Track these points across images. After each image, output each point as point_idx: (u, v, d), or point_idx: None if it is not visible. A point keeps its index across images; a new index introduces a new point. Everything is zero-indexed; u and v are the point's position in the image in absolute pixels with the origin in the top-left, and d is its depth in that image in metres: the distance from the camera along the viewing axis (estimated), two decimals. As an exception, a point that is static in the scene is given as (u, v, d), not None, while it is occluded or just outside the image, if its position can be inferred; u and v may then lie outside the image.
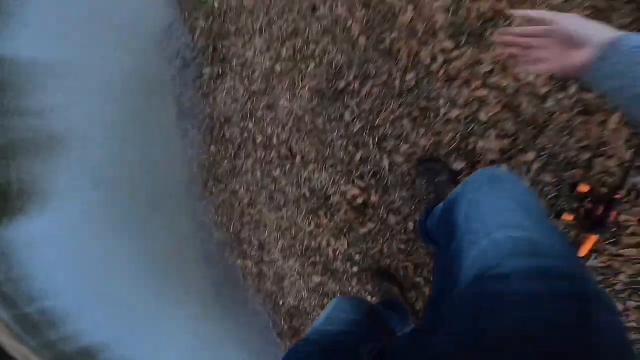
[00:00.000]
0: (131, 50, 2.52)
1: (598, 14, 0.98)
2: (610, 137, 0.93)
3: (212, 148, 2.03)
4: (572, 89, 0.98)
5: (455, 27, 1.21)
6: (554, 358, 0.37)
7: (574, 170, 0.97)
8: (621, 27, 0.74)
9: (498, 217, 0.48)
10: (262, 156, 1.80)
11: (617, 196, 0.78)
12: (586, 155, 0.95)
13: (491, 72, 1.15)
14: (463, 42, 1.20)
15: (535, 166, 1.03)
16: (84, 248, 2.84)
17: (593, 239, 0.86)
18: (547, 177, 1.02)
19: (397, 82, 1.38)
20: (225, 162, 1.98)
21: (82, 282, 2.90)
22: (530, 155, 1.04)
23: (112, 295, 2.73)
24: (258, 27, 1.79)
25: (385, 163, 1.39)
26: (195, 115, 2.16)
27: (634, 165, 0.81)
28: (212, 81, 2.02)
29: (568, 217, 0.89)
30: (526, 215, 0.48)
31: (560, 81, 1.00)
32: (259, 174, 1.82)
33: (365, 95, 1.47)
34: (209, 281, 2.39)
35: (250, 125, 1.82)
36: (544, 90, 1.03)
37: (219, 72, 1.99)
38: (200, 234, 2.36)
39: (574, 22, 0.48)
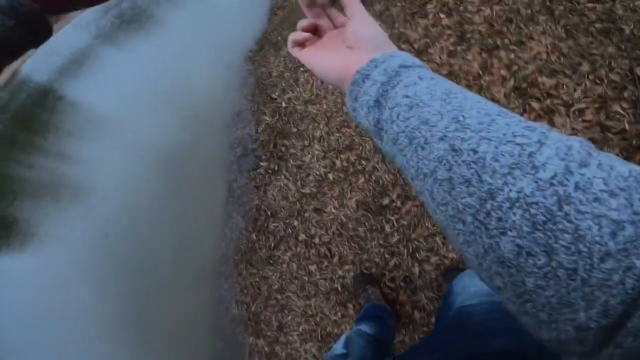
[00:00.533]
0: (197, 128, 3.07)
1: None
2: None
3: (253, 236, 2.30)
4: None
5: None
6: (515, 357, 0.54)
7: None
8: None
9: (476, 286, 0.80)
10: (302, 252, 2.06)
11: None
12: None
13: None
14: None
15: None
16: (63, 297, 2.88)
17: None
18: None
19: (433, 207, 1.74)
20: (264, 250, 2.22)
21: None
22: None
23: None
24: (318, 135, 2.30)
25: (416, 270, 1.62)
26: (242, 202, 2.49)
27: None
28: (267, 175, 2.43)
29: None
30: None
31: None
32: (294, 266, 2.04)
33: (405, 212, 1.82)
34: (211, 351, 2.32)
35: (296, 223, 2.15)
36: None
37: (274, 168, 2.41)
38: (216, 306, 2.43)
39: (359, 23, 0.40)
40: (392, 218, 1.84)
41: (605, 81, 1.49)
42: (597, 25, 1.62)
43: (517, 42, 1.75)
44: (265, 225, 2.27)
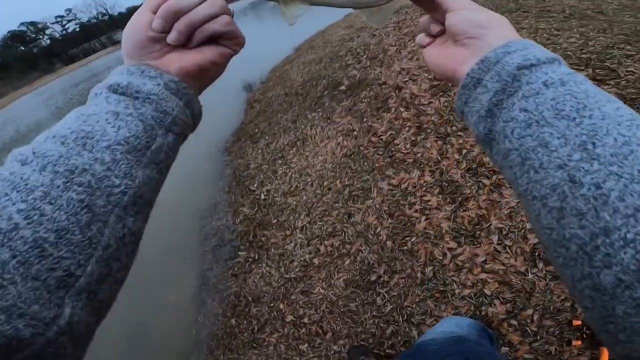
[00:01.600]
0: (170, 219, 3.17)
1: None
2: None
3: (232, 321, 2.30)
4: (540, 265, 1.61)
5: (455, 231, 1.99)
6: None
7: (564, 314, 1.41)
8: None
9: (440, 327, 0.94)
10: (290, 332, 2.10)
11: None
12: (567, 303, 1.43)
13: (485, 261, 1.80)
14: (462, 242, 1.93)
15: (535, 317, 1.47)
16: None
17: (605, 351, 1.21)
18: (547, 322, 1.44)
19: (419, 274, 2.00)
20: (245, 334, 2.21)
21: None
22: (529, 311, 1.51)
23: None
24: (300, 225, 2.57)
25: (415, 333, 1.78)
26: (218, 290, 2.54)
27: None
28: (246, 264, 2.57)
29: (577, 343, 1.27)
30: (462, 328, 0.91)
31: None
32: (282, 347, 2.05)
33: (394, 284, 2.05)
34: None
35: (282, 306, 2.24)
36: (522, 268, 1.65)
37: (254, 257, 2.58)
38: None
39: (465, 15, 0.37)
40: (382, 291, 2.05)
41: (534, 155, 2.04)
42: None
43: (462, 129, 2.35)
44: (247, 310, 2.32)
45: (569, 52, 2.82)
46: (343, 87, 4.08)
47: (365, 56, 4.70)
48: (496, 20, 0.37)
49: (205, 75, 0.40)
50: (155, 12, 0.37)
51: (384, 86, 3.53)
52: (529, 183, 0.29)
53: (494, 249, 1.84)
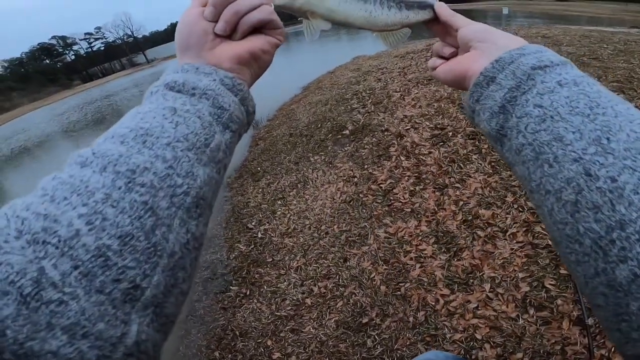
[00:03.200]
0: None
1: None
2: (567, 332, 1.59)
3: (216, 354, 2.32)
4: (531, 311, 1.74)
5: (449, 279, 2.13)
6: None
7: (554, 357, 1.53)
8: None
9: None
10: None
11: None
12: (558, 346, 1.55)
13: (477, 307, 1.94)
14: (455, 289, 2.07)
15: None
16: None
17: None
18: None
19: (411, 319, 2.10)
20: None
21: None
22: (519, 355, 1.62)
23: None
24: (295, 265, 2.68)
25: (404, 376, 1.85)
26: (205, 322, 2.56)
27: (591, 344, 1.45)
28: (237, 299, 2.63)
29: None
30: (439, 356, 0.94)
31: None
32: None
33: (385, 327, 2.14)
34: None
35: (269, 342, 2.28)
36: (514, 314, 1.78)
37: (246, 292, 2.64)
38: None
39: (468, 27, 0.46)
40: (373, 333, 2.13)
41: (526, 208, 2.26)
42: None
43: (459, 180, 2.59)
44: (233, 344, 2.33)
45: None
46: (347, 132, 4.39)
47: (370, 101, 5.08)
48: (501, 31, 0.43)
49: (256, 64, 0.44)
50: (204, 6, 0.41)
51: (386, 133, 3.84)
52: (542, 177, 0.30)
53: (486, 296, 1.98)
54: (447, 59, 0.49)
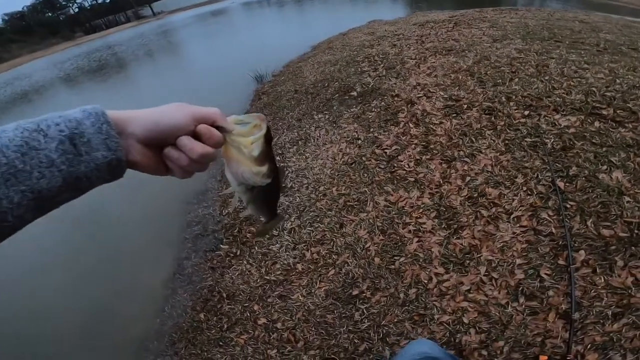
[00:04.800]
0: (156, 198, 3.36)
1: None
2: (551, 325, 1.67)
3: (201, 315, 2.44)
4: (522, 299, 1.81)
5: (445, 257, 2.19)
6: None
7: (533, 348, 1.61)
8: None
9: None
10: (261, 335, 2.24)
11: (569, 357, 1.46)
12: (539, 338, 1.63)
13: (469, 290, 2.00)
14: (450, 269, 2.13)
15: (506, 349, 1.67)
16: None
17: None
18: (515, 355, 1.64)
19: (402, 295, 2.18)
20: (213, 331, 2.34)
21: None
22: (501, 343, 1.70)
23: None
24: (289, 227, 2.72)
25: (387, 353, 1.96)
26: (192, 281, 2.66)
27: (572, 339, 1.52)
28: (227, 259, 2.70)
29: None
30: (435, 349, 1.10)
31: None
32: (250, 349, 2.18)
33: (375, 302, 2.23)
34: None
35: (256, 307, 2.38)
36: (504, 301, 1.85)
37: (236, 252, 2.71)
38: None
39: None
40: (362, 307, 2.23)
41: (535, 192, 2.26)
42: (527, 139, 2.49)
43: (469, 155, 2.57)
44: (219, 307, 2.44)
45: (593, 88, 3.03)
46: (354, 93, 4.28)
47: (382, 65, 4.92)
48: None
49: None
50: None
51: (396, 98, 3.74)
52: None
53: (480, 280, 2.03)
54: None
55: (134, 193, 3.69)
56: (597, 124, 2.61)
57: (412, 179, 2.77)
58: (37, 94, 15.68)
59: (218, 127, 0.47)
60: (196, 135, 0.46)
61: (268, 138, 0.51)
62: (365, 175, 3.01)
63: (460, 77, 3.81)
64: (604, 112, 2.71)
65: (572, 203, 2.15)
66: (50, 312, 2.98)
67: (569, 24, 5.28)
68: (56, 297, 3.08)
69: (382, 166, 3.00)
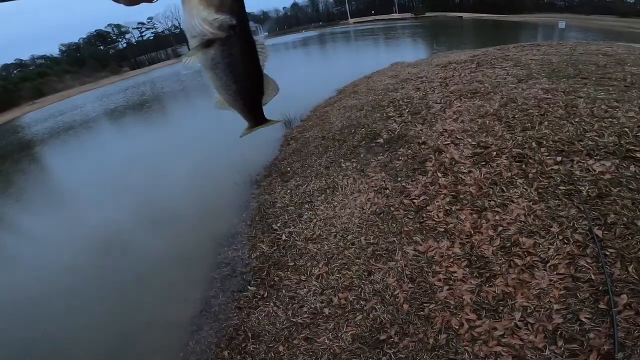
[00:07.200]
0: (188, 238, 3.49)
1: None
2: None
3: (225, 353, 2.46)
4: (560, 342, 1.81)
5: (477, 304, 2.22)
6: None
7: None
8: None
9: None
10: None
11: None
12: None
13: (503, 335, 2.01)
14: (483, 315, 2.16)
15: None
16: None
17: None
18: None
19: (432, 340, 2.18)
20: None
21: None
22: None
23: None
24: (317, 272, 2.78)
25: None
26: (218, 319, 2.71)
27: None
28: (254, 300, 2.76)
29: None
30: None
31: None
32: None
33: (403, 347, 2.23)
34: None
35: (281, 348, 2.38)
36: (541, 345, 1.84)
37: (264, 294, 2.77)
38: None
39: None
40: (390, 351, 2.23)
41: (572, 240, 2.32)
42: (561, 187, 2.57)
43: (501, 205, 2.67)
44: (243, 345, 2.46)
45: (626, 129, 3.11)
46: (381, 140, 4.49)
47: (407, 110, 5.16)
48: None
49: None
50: None
51: (423, 146, 3.92)
52: None
53: (515, 325, 2.03)
54: None
55: (167, 230, 3.90)
56: (632, 168, 2.68)
57: (442, 229, 2.86)
58: (85, 127, 16.82)
59: None
60: None
61: None
62: (394, 225, 3.12)
63: (488, 122, 3.96)
64: (639, 155, 2.80)
65: (611, 250, 2.19)
66: (75, 339, 3.07)
67: (593, 58, 5.43)
68: (83, 325, 3.18)
69: (411, 216, 3.12)
